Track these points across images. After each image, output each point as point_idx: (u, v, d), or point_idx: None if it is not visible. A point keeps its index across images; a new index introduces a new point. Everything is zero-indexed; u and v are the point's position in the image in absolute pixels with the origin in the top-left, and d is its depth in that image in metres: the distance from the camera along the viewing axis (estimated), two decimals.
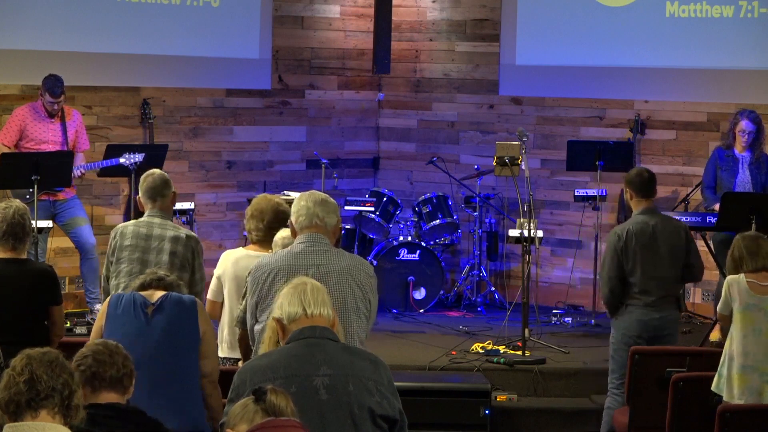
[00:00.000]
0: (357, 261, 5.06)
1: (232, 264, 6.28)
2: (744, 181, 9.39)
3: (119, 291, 6.14)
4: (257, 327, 4.96)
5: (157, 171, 6.59)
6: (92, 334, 5.39)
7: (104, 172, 9.48)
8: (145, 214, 6.48)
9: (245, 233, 6.46)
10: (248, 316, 5.07)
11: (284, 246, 5.74)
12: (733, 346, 6.13)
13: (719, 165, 9.50)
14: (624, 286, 7.19)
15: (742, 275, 6.20)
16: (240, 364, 5.91)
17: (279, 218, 6.21)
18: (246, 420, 3.50)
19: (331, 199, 5.12)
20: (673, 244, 7.18)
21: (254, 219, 6.23)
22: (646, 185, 7.23)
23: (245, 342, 5.78)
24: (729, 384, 6.13)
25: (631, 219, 7.26)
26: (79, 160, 9.28)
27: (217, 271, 6.38)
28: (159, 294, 5.28)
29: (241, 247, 6.54)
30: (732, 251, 6.31)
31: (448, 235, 10.70)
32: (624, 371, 7.07)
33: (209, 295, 6.41)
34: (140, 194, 6.49)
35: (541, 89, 11.13)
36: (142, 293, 5.29)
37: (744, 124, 9.38)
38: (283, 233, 5.93)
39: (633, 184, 7.24)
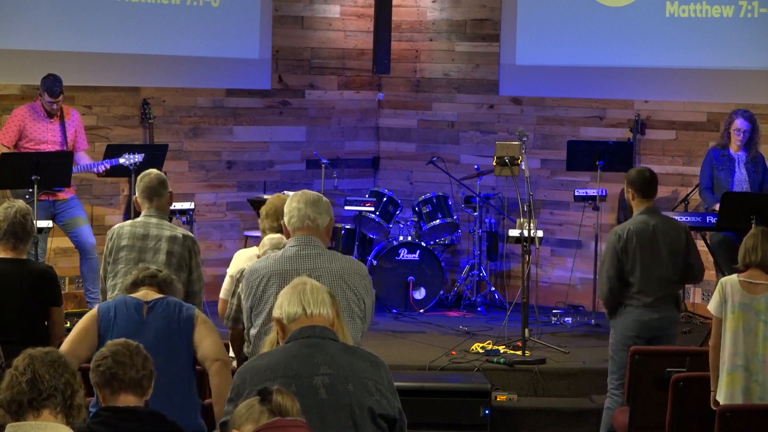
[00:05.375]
0: (349, 263, 5.05)
1: (245, 263, 6.29)
2: (741, 180, 9.40)
3: (116, 291, 6.16)
4: (253, 331, 4.97)
5: (153, 171, 6.59)
6: (73, 332, 5.27)
7: (104, 172, 9.47)
8: (142, 214, 6.49)
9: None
10: (245, 320, 5.09)
11: (273, 247, 5.78)
12: (725, 346, 6.12)
13: (715, 165, 9.51)
14: (623, 286, 7.18)
15: (735, 275, 6.20)
16: (234, 363, 5.93)
17: None
18: (251, 420, 3.48)
19: (324, 198, 5.11)
20: (673, 245, 7.17)
21: (269, 218, 6.22)
22: (647, 185, 7.22)
23: (237, 341, 5.83)
24: (719, 383, 6.13)
25: (632, 219, 7.26)
26: (86, 159, 9.28)
27: (230, 270, 6.39)
28: (152, 294, 5.28)
29: (254, 246, 6.53)
30: (748, 242, 6.17)
31: (448, 235, 10.70)
32: (623, 372, 7.06)
33: (222, 294, 6.44)
34: (137, 194, 6.50)
35: (541, 89, 11.12)
36: (134, 295, 5.29)
37: (739, 123, 9.40)
38: (272, 235, 5.96)
39: (634, 184, 7.23)
